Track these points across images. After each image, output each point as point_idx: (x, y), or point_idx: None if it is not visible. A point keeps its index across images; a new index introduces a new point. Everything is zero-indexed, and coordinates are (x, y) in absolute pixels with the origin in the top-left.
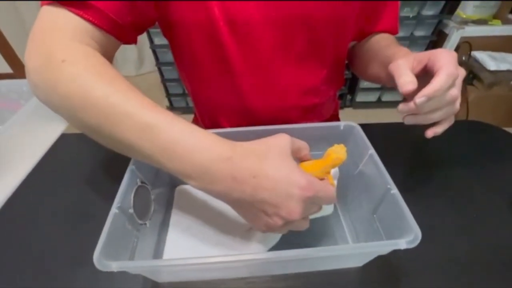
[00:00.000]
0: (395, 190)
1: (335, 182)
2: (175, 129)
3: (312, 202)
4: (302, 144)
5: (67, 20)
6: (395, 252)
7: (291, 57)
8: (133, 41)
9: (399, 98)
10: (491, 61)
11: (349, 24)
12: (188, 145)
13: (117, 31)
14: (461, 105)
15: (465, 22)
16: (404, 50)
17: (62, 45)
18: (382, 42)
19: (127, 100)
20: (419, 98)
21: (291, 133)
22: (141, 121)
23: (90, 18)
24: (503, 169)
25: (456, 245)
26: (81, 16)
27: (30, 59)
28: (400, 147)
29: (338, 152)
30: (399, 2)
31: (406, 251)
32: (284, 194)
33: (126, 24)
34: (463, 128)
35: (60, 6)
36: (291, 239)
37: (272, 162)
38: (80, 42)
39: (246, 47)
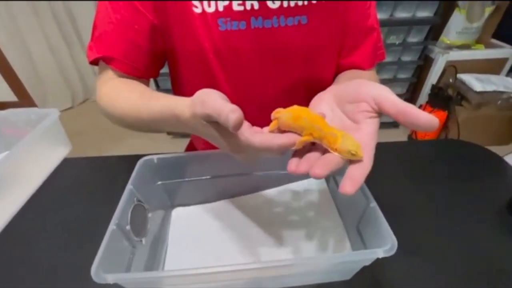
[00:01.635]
0: (374, 204)
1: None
2: (151, 118)
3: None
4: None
5: (106, 68)
6: (382, 265)
7: (277, 83)
8: (155, 75)
9: (388, 120)
10: (477, 82)
11: (326, 53)
12: (163, 119)
13: (138, 73)
14: (452, 124)
15: (449, 47)
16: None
17: (101, 81)
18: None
19: (137, 101)
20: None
21: None
22: (141, 115)
23: (117, 68)
24: (486, 186)
25: (442, 257)
26: (110, 65)
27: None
28: (386, 164)
29: (338, 139)
30: (375, 37)
31: (393, 264)
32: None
33: (146, 67)
34: (445, 147)
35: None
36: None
37: (201, 130)
38: (116, 78)
39: (234, 75)
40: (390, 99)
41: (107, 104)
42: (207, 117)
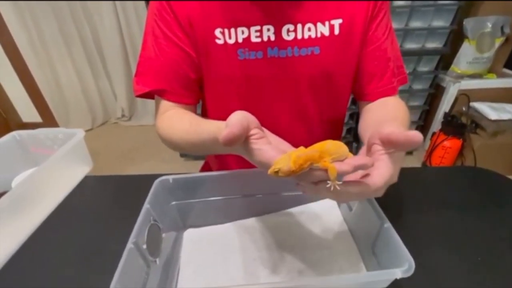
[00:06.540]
0: (388, 224)
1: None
2: (200, 142)
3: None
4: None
5: (160, 100)
6: None
7: (291, 110)
8: (198, 101)
9: None
10: (491, 111)
11: (337, 82)
12: (210, 143)
13: (187, 101)
14: (467, 152)
15: (460, 76)
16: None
17: (158, 113)
18: (378, 110)
19: (188, 129)
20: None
21: None
22: (193, 139)
23: (169, 99)
24: (504, 213)
25: (460, 284)
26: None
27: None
28: (403, 191)
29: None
30: (394, 66)
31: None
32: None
33: (191, 94)
34: (463, 173)
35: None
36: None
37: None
38: (170, 108)
39: (248, 102)
40: (387, 130)
41: (165, 134)
42: None
